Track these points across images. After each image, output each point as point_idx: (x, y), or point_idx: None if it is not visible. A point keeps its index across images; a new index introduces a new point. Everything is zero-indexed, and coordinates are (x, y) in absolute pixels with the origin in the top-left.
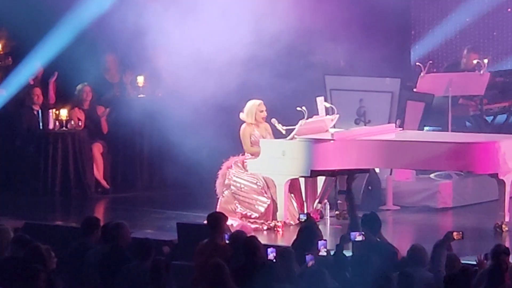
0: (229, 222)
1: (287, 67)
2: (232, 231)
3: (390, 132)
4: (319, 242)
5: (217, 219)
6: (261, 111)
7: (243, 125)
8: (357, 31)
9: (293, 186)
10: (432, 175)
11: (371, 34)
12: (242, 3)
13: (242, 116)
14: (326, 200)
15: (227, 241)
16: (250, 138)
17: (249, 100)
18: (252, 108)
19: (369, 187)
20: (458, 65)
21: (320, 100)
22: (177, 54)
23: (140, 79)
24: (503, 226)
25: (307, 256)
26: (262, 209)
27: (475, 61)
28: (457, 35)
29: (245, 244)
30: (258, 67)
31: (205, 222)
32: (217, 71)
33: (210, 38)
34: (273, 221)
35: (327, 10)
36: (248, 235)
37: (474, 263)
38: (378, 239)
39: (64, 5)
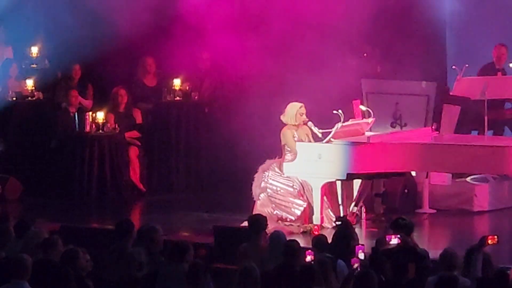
0: None
1: (325, 70)
2: (268, 233)
3: (426, 136)
4: (357, 247)
5: (259, 221)
6: (302, 114)
7: (284, 128)
8: (392, 35)
9: (329, 189)
10: (468, 179)
11: (406, 38)
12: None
13: (282, 118)
14: (362, 203)
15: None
16: (294, 139)
17: (289, 102)
18: (293, 110)
19: (405, 190)
20: (492, 66)
21: (356, 103)
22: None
23: (177, 82)
24: None
25: (352, 259)
26: (298, 212)
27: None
28: (495, 41)
29: (285, 246)
30: (294, 72)
31: (242, 225)
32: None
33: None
34: (309, 224)
35: (362, 14)
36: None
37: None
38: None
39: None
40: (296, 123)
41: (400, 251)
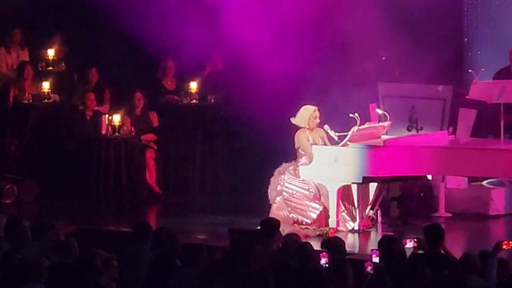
0: (280, 228)
1: (342, 74)
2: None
3: (442, 139)
4: (371, 251)
5: (272, 225)
6: (315, 118)
7: (298, 131)
8: (410, 38)
9: (345, 192)
10: (484, 182)
11: (423, 41)
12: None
13: (293, 120)
14: (378, 207)
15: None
16: (309, 142)
17: (303, 105)
18: (306, 113)
19: (421, 194)
20: (508, 70)
21: (372, 107)
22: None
23: (193, 85)
24: None
25: (365, 263)
26: (314, 216)
27: None
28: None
29: (298, 249)
30: (311, 75)
31: (258, 228)
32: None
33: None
34: (325, 227)
35: (379, 18)
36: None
37: None
38: (442, 251)
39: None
40: (309, 127)
41: (417, 255)
